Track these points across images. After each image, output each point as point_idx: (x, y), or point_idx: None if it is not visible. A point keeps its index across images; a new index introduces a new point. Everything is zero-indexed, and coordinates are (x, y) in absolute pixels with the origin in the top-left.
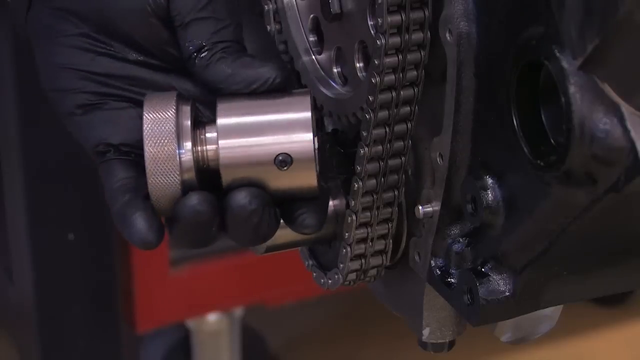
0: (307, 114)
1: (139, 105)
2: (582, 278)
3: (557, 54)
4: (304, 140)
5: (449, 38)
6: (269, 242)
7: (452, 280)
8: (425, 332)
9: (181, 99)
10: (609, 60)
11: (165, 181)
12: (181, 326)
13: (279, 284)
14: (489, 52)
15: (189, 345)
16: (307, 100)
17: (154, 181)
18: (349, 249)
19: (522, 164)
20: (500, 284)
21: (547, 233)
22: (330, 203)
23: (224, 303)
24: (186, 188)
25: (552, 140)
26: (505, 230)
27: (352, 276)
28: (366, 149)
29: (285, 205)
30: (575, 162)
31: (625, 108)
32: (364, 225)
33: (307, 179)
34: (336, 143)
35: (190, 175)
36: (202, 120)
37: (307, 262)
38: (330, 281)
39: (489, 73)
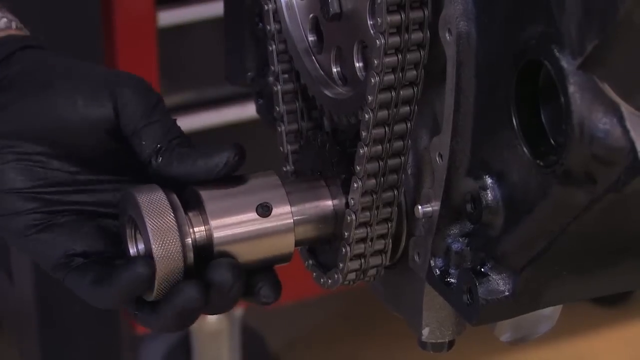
0: (282, 190)
1: (83, 216)
2: (582, 278)
3: (557, 54)
4: (283, 212)
5: (448, 38)
6: None
7: (452, 280)
8: (425, 331)
9: (164, 189)
10: (608, 60)
11: (170, 271)
12: None
13: None
14: (488, 52)
15: (189, 345)
16: (275, 177)
17: (161, 274)
18: (348, 248)
19: (522, 164)
20: (500, 283)
21: (546, 233)
22: (330, 202)
23: None
24: (186, 273)
25: (551, 140)
26: (505, 230)
27: (352, 276)
28: (366, 148)
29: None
30: (574, 162)
31: (625, 108)
32: (364, 224)
33: (284, 247)
34: (336, 143)
35: (190, 261)
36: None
37: (307, 262)
38: (330, 281)
39: (489, 73)
